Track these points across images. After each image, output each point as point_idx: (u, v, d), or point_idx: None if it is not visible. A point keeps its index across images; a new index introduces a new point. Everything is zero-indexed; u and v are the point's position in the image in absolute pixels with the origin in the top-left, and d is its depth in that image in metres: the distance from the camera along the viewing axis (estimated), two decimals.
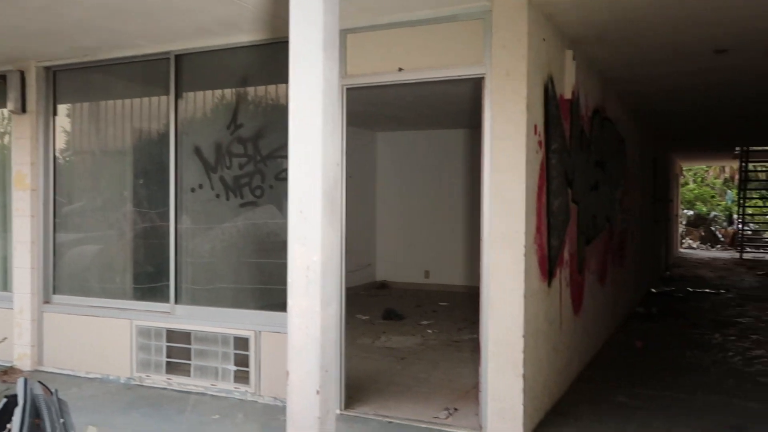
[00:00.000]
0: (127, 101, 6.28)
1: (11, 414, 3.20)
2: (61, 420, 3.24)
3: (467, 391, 5.43)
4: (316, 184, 2.47)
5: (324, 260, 2.51)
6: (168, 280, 5.81)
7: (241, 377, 5.43)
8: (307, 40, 2.49)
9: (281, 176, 5.38)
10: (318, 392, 2.40)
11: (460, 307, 9.77)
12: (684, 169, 25.93)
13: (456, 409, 5.00)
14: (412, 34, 4.76)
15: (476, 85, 4.63)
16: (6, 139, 6.80)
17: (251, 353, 5.37)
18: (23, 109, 6.33)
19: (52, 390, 3.48)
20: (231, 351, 5.47)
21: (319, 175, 2.47)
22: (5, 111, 6.61)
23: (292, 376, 2.45)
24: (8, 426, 3.20)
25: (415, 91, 7.55)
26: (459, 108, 8.84)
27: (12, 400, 3.25)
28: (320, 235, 2.48)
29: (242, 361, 5.43)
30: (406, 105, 9.08)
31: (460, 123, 10.70)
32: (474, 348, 6.11)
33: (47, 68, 6.37)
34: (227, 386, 5.47)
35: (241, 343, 5.42)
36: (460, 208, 11.48)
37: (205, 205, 5.76)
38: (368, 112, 9.54)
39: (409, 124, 11.19)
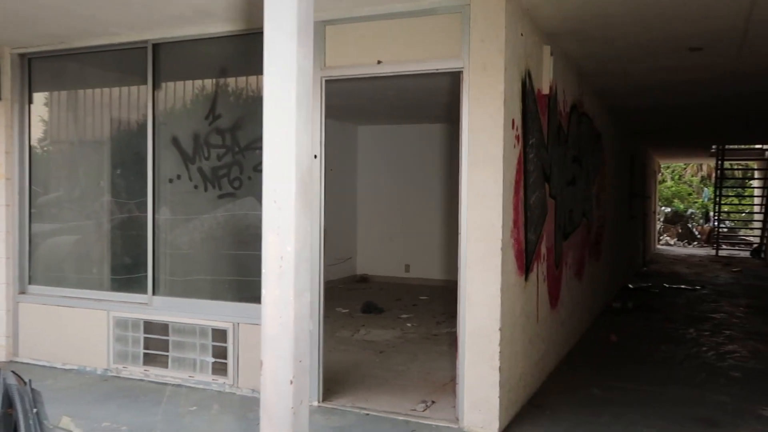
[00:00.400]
0: (105, 90, 6.22)
1: None
2: (35, 410, 3.22)
3: (445, 384, 5.47)
4: (290, 174, 2.47)
5: (298, 250, 2.52)
6: (146, 271, 5.78)
7: (219, 369, 5.42)
8: (281, 28, 2.49)
9: (259, 168, 5.37)
10: (291, 382, 2.41)
11: (440, 300, 9.82)
12: (662, 166, 26.23)
13: (433, 402, 5.03)
14: (391, 26, 4.76)
15: (454, 79, 4.66)
16: None
17: (229, 345, 5.36)
18: None
19: (26, 380, 3.46)
20: (209, 343, 5.46)
21: (293, 164, 2.47)
22: None
23: (266, 366, 2.46)
24: None
25: (395, 84, 7.56)
26: (439, 102, 8.87)
27: None
28: (294, 224, 2.48)
29: (220, 352, 5.42)
30: (386, 98, 9.09)
31: (440, 117, 10.74)
32: (452, 341, 6.16)
33: (22, 55, 6.28)
34: (205, 378, 5.46)
35: (220, 334, 5.41)
36: (440, 203, 11.53)
37: (183, 196, 5.73)
38: (349, 105, 9.54)
39: (390, 117, 11.19)
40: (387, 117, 11.14)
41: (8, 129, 6.26)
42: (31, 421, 3.02)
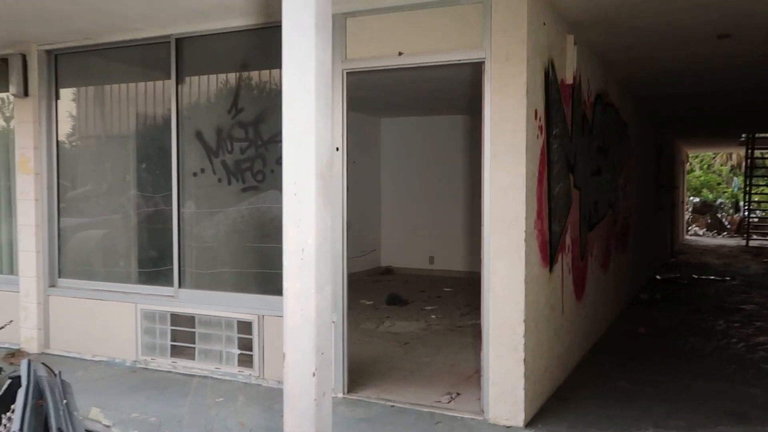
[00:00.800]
0: (130, 85, 6.29)
1: (15, 395, 3.25)
2: (65, 401, 3.28)
3: (469, 376, 5.46)
4: (310, 167, 2.48)
5: (318, 243, 2.53)
6: (171, 264, 5.85)
7: (245, 361, 5.48)
8: (300, 21, 2.49)
9: (282, 161, 5.38)
10: (314, 374, 2.42)
11: (464, 292, 9.79)
12: (690, 155, 25.79)
13: (458, 394, 5.03)
14: (412, 18, 4.74)
15: (477, 70, 4.62)
16: (10, 123, 6.81)
17: (255, 337, 5.41)
18: (25, 93, 6.34)
19: (56, 372, 3.53)
20: (235, 335, 5.51)
21: (313, 158, 2.48)
22: (8, 95, 6.62)
23: (288, 358, 2.47)
24: (12, 407, 3.25)
25: (417, 75, 7.53)
26: (461, 93, 8.81)
27: (16, 382, 3.30)
28: (314, 217, 2.49)
29: (246, 345, 5.47)
30: (408, 90, 9.06)
31: (463, 109, 10.68)
32: (476, 333, 6.12)
33: (48, 51, 6.36)
34: (231, 370, 5.52)
35: (245, 327, 5.46)
36: (464, 194, 11.48)
37: (207, 190, 5.78)
38: (372, 97, 9.52)
39: (413, 109, 11.16)
40: (410, 109, 11.11)
41: (36, 125, 6.37)
42: (61, 413, 3.08)
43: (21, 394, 3.07)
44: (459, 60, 4.64)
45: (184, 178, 5.81)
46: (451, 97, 9.38)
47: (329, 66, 2.65)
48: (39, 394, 3.23)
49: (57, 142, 6.46)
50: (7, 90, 6.45)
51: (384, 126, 12.32)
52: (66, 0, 4.95)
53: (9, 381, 3.33)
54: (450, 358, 6.15)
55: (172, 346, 5.78)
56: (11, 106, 6.75)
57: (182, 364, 5.71)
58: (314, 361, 2.40)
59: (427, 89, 8.84)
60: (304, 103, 2.55)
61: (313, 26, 2.51)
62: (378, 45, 4.88)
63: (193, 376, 5.58)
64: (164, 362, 5.79)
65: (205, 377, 5.53)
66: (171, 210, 5.84)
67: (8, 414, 3.26)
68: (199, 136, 5.75)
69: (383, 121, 12.29)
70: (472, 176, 11.09)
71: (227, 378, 5.49)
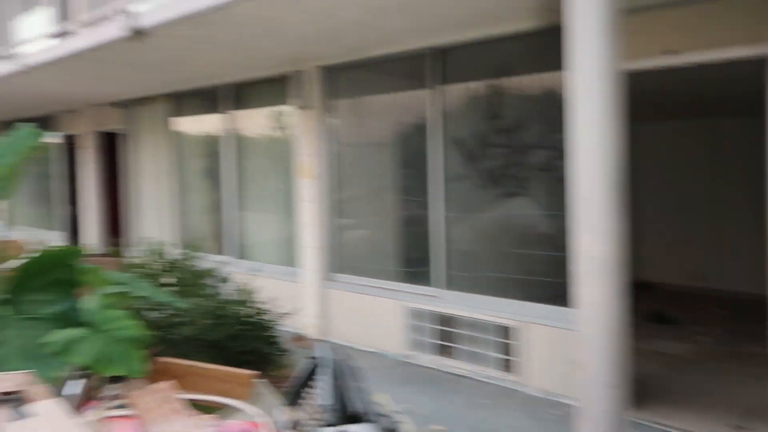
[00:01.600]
0: (390, 95, 6.70)
1: (311, 373, 3.65)
2: (359, 384, 3.59)
3: (753, 408, 4.90)
4: (601, 173, 2.43)
5: (613, 250, 2.47)
6: (433, 265, 6.10)
7: (506, 366, 5.52)
8: (587, 25, 2.45)
9: (542, 167, 5.33)
10: (612, 386, 2.36)
11: (741, 315, 8.79)
12: None
13: (743, 428, 4.54)
14: (681, 14, 4.37)
15: (758, 67, 4.12)
16: (286, 132, 7.64)
17: (517, 343, 5.42)
18: (306, 106, 7.10)
19: (347, 357, 3.88)
20: (496, 339, 5.58)
21: (604, 163, 2.43)
22: (284, 108, 7.48)
23: (584, 368, 2.44)
24: (309, 383, 3.65)
25: (684, 76, 6.91)
26: (737, 93, 7.90)
27: (313, 362, 3.70)
28: (608, 224, 2.44)
29: (508, 349, 5.50)
30: (673, 92, 8.35)
31: (738, 110, 9.58)
32: (759, 362, 5.49)
33: (323, 67, 7.00)
34: (492, 373, 5.59)
35: (507, 332, 5.51)
36: (742, 204, 10.30)
37: (466, 195, 5.93)
38: (632, 100, 8.97)
39: (674, 113, 10.31)
40: (672, 113, 10.29)
41: (314, 134, 7.08)
42: (358, 394, 3.38)
43: (327, 373, 3.43)
44: (738, 57, 4.18)
45: (443, 182, 6.02)
46: (722, 97, 8.48)
47: (617, 68, 2.58)
48: (337, 375, 3.58)
49: (331, 149, 7.10)
50: (281, 103, 7.32)
51: (644, 130, 11.57)
52: (342, 19, 5.36)
53: (310, 361, 3.74)
54: (729, 386, 5.56)
55: (435, 344, 6.03)
56: (282, 117, 7.61)
57: (444, 363, 5.92)
58: (611, 372, 2.34)
59: (695, 90, 8.07)
60: (593, 107, 2.52)
61: (601, 30, 2.48)
62: (643, 45, 4.59)
63: (454, 375, 5.76)
64: (428, 359, 6.06)
65: (467, 377, 5.68)
66: (430, 213, 6.09)
67: (307, 390, 3.67)
68: (457, 142, 5.93)
69: (643, 126, 11.55)
70: (753, 185, 9.92)
71: (488, 381, 5.57)
